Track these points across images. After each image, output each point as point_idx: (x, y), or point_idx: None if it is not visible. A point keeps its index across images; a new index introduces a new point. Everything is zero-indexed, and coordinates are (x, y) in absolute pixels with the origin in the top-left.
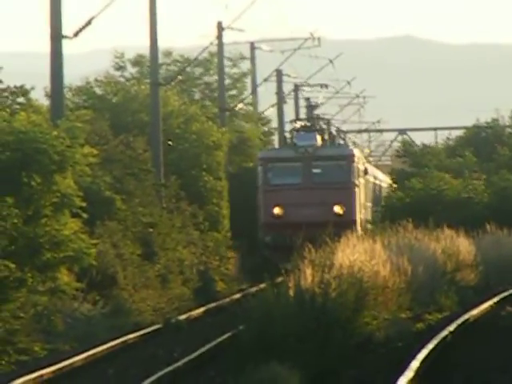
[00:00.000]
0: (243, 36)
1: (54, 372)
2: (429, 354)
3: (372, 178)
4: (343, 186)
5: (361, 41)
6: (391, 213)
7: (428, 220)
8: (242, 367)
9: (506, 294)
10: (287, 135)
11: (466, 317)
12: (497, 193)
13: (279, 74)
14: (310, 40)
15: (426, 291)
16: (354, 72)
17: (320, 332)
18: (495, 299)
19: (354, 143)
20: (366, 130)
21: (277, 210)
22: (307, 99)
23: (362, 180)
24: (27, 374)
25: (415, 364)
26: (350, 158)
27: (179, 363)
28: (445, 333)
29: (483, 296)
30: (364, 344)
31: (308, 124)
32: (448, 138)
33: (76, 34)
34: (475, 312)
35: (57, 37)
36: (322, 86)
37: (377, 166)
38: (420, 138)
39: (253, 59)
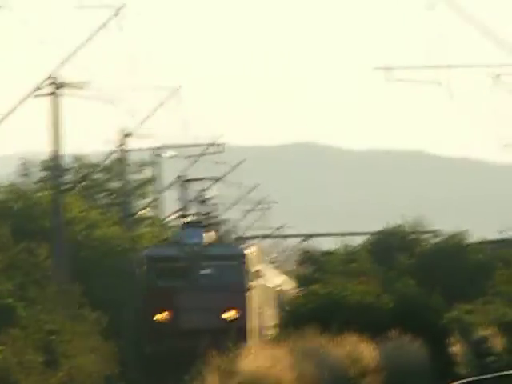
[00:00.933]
0: (147, 142)
1: None
2: None
3: (270, 280)
4: (233, 289)
5: (264, 147)
6: (295, 318)
7: (331, 325)
8: None
9: None
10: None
11: None
12: (400, 298)
13: (183, 180)
14: (214, 146)
15: None
16: (258, 177)
17: None
18: None
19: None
20: (270, 236)
21: (161, 316)
22: (199, 192)
23: (255, 282)
24: None
25: None
26: (241, 257)
27: None
28: None
29: None
30: None
31: (196, 220)
32: (346, 245)
33: None
34: None
35: None
36: (213, 179)
37: (282, 271)
38: (327, 244)
39: (157, 165)
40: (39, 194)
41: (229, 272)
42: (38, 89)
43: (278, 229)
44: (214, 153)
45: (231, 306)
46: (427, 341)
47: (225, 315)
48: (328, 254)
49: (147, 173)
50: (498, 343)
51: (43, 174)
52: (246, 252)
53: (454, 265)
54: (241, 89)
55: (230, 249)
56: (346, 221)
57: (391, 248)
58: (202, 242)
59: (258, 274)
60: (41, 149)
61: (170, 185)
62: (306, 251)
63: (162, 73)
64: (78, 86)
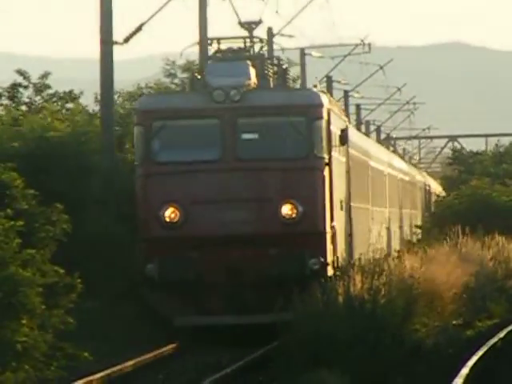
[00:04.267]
0: (293, 42)
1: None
2: (478, 360)
3: (375, 159)
4: (301, 165)
5: (411, 47)
6: (441, 220)
7: (477, 227)
8: (291, 374)
9: None
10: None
11: None
12: None
13: (329, 80)
14: (360, 46)
15: (477, 298)
16: (404, 79)
17: (370, 339)
18: None
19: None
20: (416, 137)
21: (169, 213)
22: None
23: (338, 154)
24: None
25: (465, 371)
26: (315, 110)
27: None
28: (495, 340)
29: None
30: (414, 351)
31: (235, 48)
32: (497, 145)
33: (126, 40)
34: None
35: (107, 42)
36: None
37: (427, 173)
38: (470, 145)
39: (303, 65)
40: None
41: (293, 136)
42: None
43: (424, 130)
44: (361, 53)
45: (297, 194)
46: None
47: (285, 211)
48: (477, 154)
49: (293, 72)
50: None
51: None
52: (323, 101)
53: None
54: None
55: (295, 95)
56: (492, 121)
57: None
58: (246, 83)
59: (342, 140)
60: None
61: (315, 85)
62: (455, 151)
63: None
64: None
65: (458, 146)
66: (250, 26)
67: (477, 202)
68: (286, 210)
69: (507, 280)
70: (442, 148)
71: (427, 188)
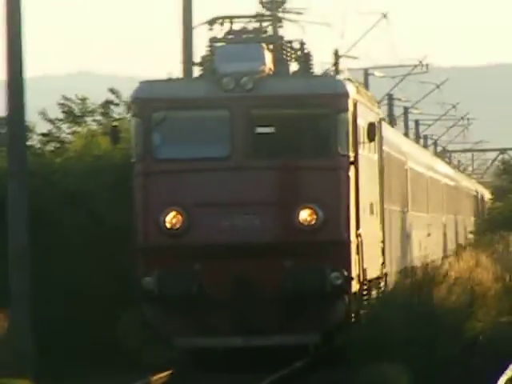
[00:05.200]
0: (357, 63)
1: None
2: None
3: (413, 159)
4: (322, 165)
5: (465, 68)
6: (492, 225)
7: None
8: (354, 368)
9: None
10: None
11: None
12: None
13: (390, 97)
14: (418, 67)
15: None
16: (458, 96)
17: (428, 334)
18: None
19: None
20: (469, 150)
21: (171, 218)
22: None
23: (368, 152)
24: None
25: None
26: (339, 100)
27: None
28: None
29: None
30: (470, 346)
31: (248, 28)
32: None
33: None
34: None
35: (187, 62)
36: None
37: (479, 183)
38: None
39: (366, 84)
40: None
41: (314, 131)
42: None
43: (477, 143)
44: (419, 73)
45: (319, 198)
46: None
47: (303, 217)
48: None
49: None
50: None
51: None
52: (348, 90)
53: None
54: (445, 11)
55: (317, 83)
56: None
57: None
58: (260, 69)
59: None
60: None
61: (378, 102)
62: (505, 162)
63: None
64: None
65: (508, 158)
66: (272, 4)
67: None
68: (305, 215)
69: None
70: (494, 160)
71: (480, 196)
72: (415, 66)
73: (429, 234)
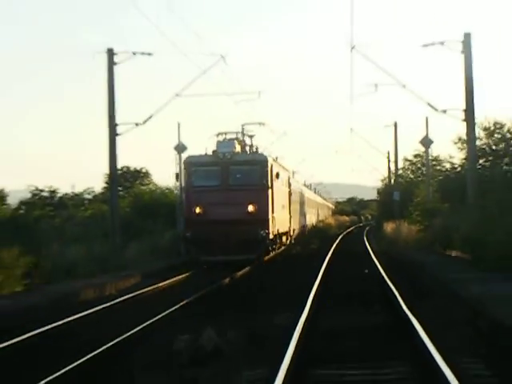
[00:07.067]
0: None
1: None
2: None
3: (295, 184)
4: (256, 188)
5: None
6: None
7: None
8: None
9: None
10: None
11: None
12: None
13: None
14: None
15: None
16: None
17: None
18: None
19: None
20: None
21: (197, 209)
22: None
23: (276, 183)
24: None
25: None
26: (263, 163)
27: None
28: None
29: None
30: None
31: (231, 135)
32: None
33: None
34: None
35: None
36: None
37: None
38: None
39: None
40: None
41: (253, 174)
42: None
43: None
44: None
45: (254, 201)
46: None
47: (249, 209)
48: None
49: None
50: None
51: None
52: (268, 159)
53: None
54: None
55: (254, 156)
56: None
57: None
58: (233, 150)
59: (275, 177)
60: None
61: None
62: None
63: None
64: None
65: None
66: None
67: None
68: (251, 207)
69: None
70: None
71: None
72: None
73: (311, 215)
